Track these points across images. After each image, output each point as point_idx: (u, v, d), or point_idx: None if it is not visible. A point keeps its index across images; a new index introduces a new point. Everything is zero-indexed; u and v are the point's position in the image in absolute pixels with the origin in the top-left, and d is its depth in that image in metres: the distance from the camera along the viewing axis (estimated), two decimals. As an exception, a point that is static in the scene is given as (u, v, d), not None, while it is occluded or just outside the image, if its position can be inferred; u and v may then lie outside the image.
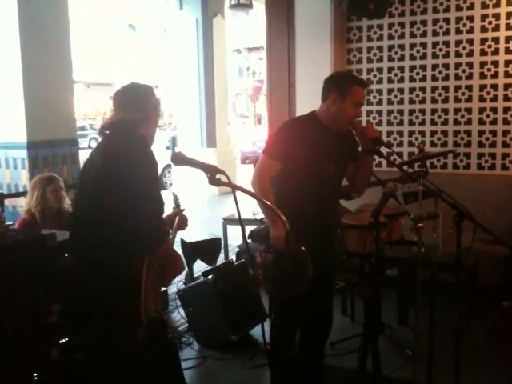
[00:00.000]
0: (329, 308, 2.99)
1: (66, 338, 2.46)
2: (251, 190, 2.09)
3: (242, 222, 1.89)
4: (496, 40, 4.77)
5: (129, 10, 24.90)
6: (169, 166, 12.27)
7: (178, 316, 4.26)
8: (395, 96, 5.28)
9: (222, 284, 3.69)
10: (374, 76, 5.35)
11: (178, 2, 10.97)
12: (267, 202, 1.92)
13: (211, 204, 10.24)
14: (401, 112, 5.27)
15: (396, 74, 5.25)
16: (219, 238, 5.22)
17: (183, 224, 2.37)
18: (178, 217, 2.31)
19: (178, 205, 2.37)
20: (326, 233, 2.88)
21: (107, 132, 2.27)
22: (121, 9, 24.60)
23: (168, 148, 14.21)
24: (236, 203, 1.82)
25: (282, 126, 2.80)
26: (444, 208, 2.54)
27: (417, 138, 5.20)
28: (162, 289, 3.09)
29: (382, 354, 2.77)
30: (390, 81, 5.28)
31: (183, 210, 2.37)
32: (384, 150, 2.79)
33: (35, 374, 2.26)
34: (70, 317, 2.26)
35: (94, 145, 16.69)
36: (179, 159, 1.92)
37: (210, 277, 3.68)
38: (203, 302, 3.75)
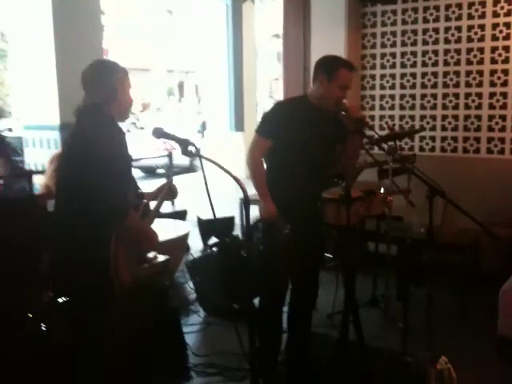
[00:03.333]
0: (315, 279, 3.17)
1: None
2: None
3: (209, 194, 2.11)
4: (507, 25, 4.81)
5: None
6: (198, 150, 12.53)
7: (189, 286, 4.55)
8: (408, 81, 5.37)
9: (226, 256, 3.93)
10: (388, 61, 5.45)
11: (210, -13, 11.16)
12: (237, 177, 2.14)
13: (237, 185, 10.45)
14: (413, 96, 5.37)
15: (409, 59, 5.34)
16: (233, 217, 5.49)
17: (172, 194, 2.60)
18: (167, 187, 2.55)
19: (168, 175, 2.60)
20: (315, 211, 3.07)
21: (79, 116, 2.37)
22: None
23: (199, 132, 14.54)
24: (203, 175, 2.07)
25: (273, 106, 3.00)
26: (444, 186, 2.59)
27: (428, 122, 5.30)
28: (162, 258, 3.37)
29: (375, 326, 2.93)
30: (403, 66, 5.38)
31: (171, 180, 2.60)
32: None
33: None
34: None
35: (131, 128, 17.06)
36: (158, 133, 2.19)
37: (214, 249, 3.94)
38: (208, 272, 4.01)
